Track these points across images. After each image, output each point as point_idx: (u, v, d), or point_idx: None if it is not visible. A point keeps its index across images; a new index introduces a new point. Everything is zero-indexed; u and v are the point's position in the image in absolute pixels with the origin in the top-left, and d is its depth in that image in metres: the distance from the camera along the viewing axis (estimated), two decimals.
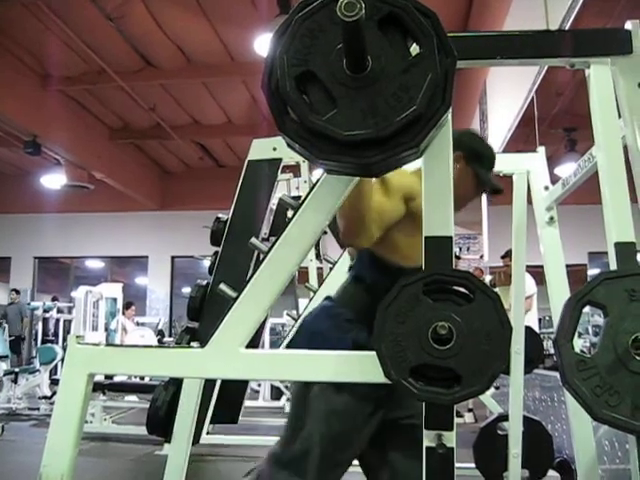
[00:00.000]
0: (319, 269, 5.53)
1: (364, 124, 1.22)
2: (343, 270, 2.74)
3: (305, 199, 1.50)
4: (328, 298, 2.12)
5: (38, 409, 7.94)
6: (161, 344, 10.34)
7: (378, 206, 1.88)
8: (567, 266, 2.64)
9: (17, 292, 12.21)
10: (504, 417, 3.28)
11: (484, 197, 7.89)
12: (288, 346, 2.07)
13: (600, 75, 1.49)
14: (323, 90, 1.24)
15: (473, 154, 2.18)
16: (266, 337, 9.36)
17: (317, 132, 1.23)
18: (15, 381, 8.04)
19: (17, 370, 8.25)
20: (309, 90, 1.25)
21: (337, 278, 2.71)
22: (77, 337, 1.50)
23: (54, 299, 11.60)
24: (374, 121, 1.22)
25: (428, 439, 1.36)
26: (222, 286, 1.47)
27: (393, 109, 1.22)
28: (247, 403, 6.80)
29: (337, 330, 1.98)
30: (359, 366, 1.39)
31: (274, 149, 4.12)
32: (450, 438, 1.36)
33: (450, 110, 1.25)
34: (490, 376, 1.26)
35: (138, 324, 10.59)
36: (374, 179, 1.79)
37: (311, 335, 2.02)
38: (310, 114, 1.23)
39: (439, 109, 1.23)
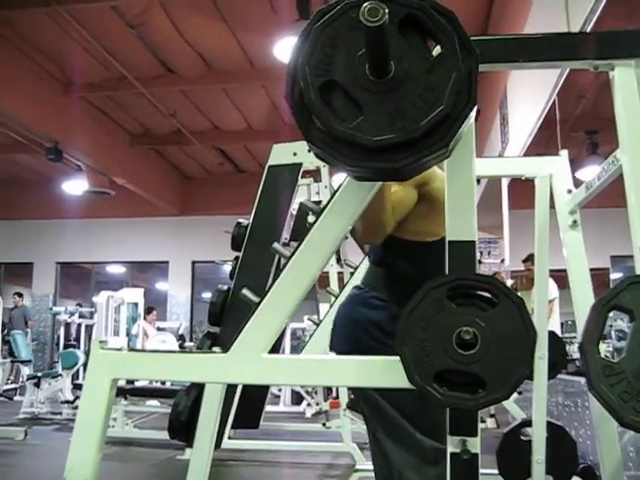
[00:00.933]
0: (340, 274, 5.52)
1: (392, 128, 1.22)
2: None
3: (327, 203, 1.50)
4: (356, 287, 2.18)
5: (60, 413, 8.00)
6: (182, 349, 10.38)
7: (394, 198, 1.92)
8: (589, 270, 2.62)
9: (20, 295, 12.28)
10: (527, 423, 3.25)
11: (505, 200, 7.85)
12: (331, 336, 2.12)
13: (624, 77, 1.47)
14: (348, 97, 1.24)
15: None
16: (287, 342, 9.36)
17: (345, 140, 1.23)
18: (38, 385, 8.10)
19: (40, 375, 8.31)
20: (333, 98, 1.25)
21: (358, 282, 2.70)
22: (100, 342, 1.51)
23: (79, 305, 11.67)
24: (402, 124, 1.21)
25: (452, 445, 1.35)
26: (245, 291, 1.47)
27: (420, 110, 1.22)
28: (268, 408, 6.80)
29: (370, 311, 2.05)
30: (383, 371, 1.38)
31: (294, 154, 4.12)
32: (474, 444, 1.35)
33: (475, 108, 1.25)
34: (515, 381, 1.25)
35: (159, 329, 10.62)
36: None
37: (346, 321, 2.09)
38: (337, 122, 1.23)
39: (465, 107, 1.23)
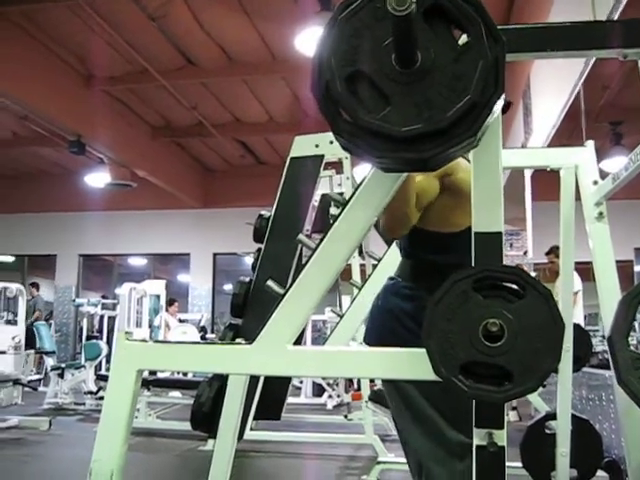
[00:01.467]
0: (362, 265, 5.51)
1: (420, 118, 1.20)
2: (388, 266, 2.73)
3: (353, 195, 1.49)
4: (390, 278, 2.21)
5: (84, 404, 8.08)
6: (204, 340, 10.43)
7: (417, 187, 1.92)
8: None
9: (33, 285, 12.35)
10: (552, 416, 3.23)
11: (528, 192, 7.80)
12: (366, 329, 2.15)
13: None
14: (374, 88, 1.23)
15: None
16: (308, 334, 9.37)
17: (373, 131, 1.22)
18: (61, 376, 8.18)
19: (63, 366, 8.39)
20: (360, 89, 1.24)
21: (382, 274, 2.69)
22: (126, 333, 1.51)
23: (104, 297, 11.74)
24: (429, 114, 1.20)
25: (479, 437, 1.34)
26: (270, 282, 1.47)
27: (448, 100, 1.21)
28: (289, 400, 6.82)
29: (402, 301, 2.07)
30: (408, 363, 1.37)
31: (316, 146, 4.11)
32: (501, 437, 1.34)
33: (503, 97, 1.23)
34: (542, 374, 1.24)
35: (181, 321, 10.68)
36: None
37: (379, 312, 2.13)
38: (364, 113, 1.22)
39: (493, 96, 1.21)
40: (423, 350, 1.26)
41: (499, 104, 1.24)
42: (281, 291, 1.46)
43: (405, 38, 1.18)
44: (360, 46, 1.23)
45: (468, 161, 1.96)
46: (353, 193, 1.49)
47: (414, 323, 1.99)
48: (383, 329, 2.08)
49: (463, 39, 1.23)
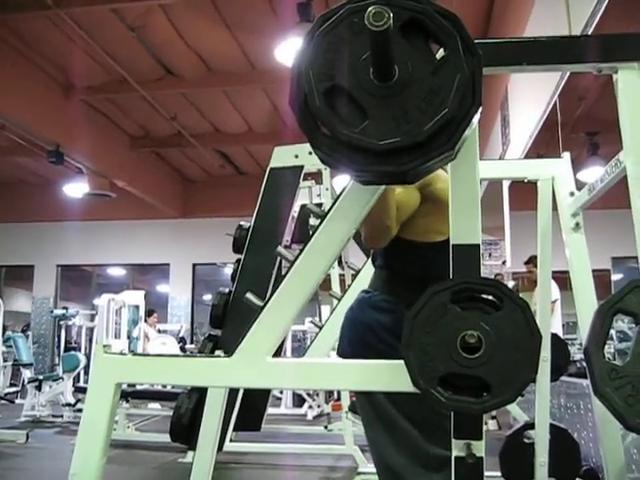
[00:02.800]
0: (341, 276, 5.52)
1: (398, 131, 1.22)
2: (367, 277, 2.73)
3: (332, 207, 1.50)
4: (364, 291, 2.19)
5: (62, 416, 7.99)
6: (183, 351, 10.37)
7: (397, 199, 1.93)
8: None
9: None
10: (530, 425, 3.25)
11: (506, 202, 7.85)
12: (339, 342, 2.12)
13: (628, 80, 1.47)
14: (353, 102, 1.25)
15: None
16: (288, 344, 9.36)
17: (351, 145, 1.23)
18: (39, 388, 8.09)
19: (41, 378, 8.31)
20: (338, 103, 1.25)
21: (361, 285, 2.70)
22: (104, 347, 1.51)
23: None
24: (407, 127, 1.22)
25: (457, 449, 1.35)
26: (249, 295, 1.47)
27: (425, 113, 1.22)
28: (269, 410, 6.80)
29: (379, 314, 2.05)
30: (387, 375, 1.38)
31: (296, 156, 4.14)
32: (479, 447, 1.35)
33: (480, 110, 1.25)
34: (520, 385, 1.25)
35: (160, 331, 10.63)
36: None
37: (355, 325, 2.10)
38: (342, 127, 1.23)
39: (470, 109, 1.23)
40: (402, 362, 1.27)
41: (477, 117, 1.26)
42: (260, 303, 1.46)
43: (382, 52, 1.20)
44: (338, 60, 1.24)
45: (446, 172, 1.98)
46: (332, 205, 1.50)
47: (393, 337, 1.96)
48: (359, 342, 2.05)
49: (440, 53, 1.25)
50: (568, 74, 4.46)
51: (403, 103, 1.23)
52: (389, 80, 1.23)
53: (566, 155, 2.73)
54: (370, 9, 1.13)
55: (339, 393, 6.06)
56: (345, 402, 5.23)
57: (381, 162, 1.24)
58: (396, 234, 2.03)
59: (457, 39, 1.24)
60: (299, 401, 9.12)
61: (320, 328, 2.58)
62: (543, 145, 6.37)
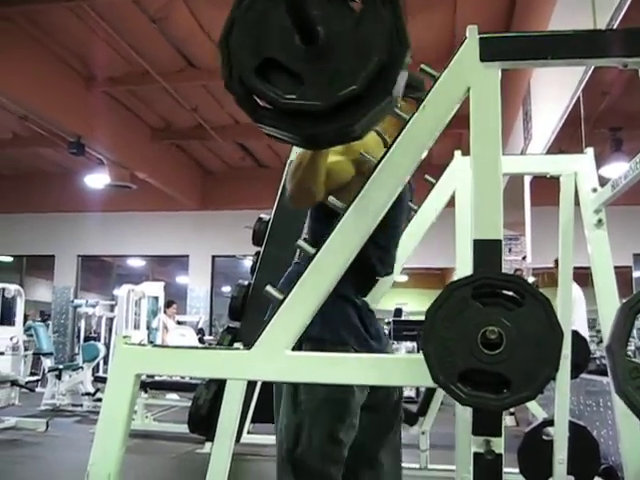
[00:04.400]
0: None
1: (335, 89, 1.25)
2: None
3: (351, 203, 1.49)
4: (295, 262, 2.26)
5: (81, 405, 8.07)
6: (202, 343, 10.41)
7: (330, 167, 1.94)
8: None
9: None
10: (549, 422, 3.23)
11: (527, 197, 7.80)
12: None
13: None
14: (286, 71, 1.28)
15: (406, 86, 2.26)
16: None
17: (293, 111, 1.27)
18: (59, 378, 8.17)
19: (61, 367, 8.38)
20: (272, 76, 1.28)
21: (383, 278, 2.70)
22: (124, 337, 1.51)
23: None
24: (343, 83, 1.25)
25: (476, 445, 1.34)
26: (268, 288, 1.47)
27: (357, 66, 1.26)
28: None
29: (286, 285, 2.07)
30: (407, 370, 1.37)
31: None
32: (498, 444, 1.34)
33: (410, 50, 1.30)
34: (541, 382, 1.24)
35: (179, 323, 10.68)
36: None
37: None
38: (281, 97, 1.26)
39: (399, 53, 1.27)
40: (421, 357, 1.27)
41: (407, 59, 1.31)
42: (280, 296, 1.46)
43: (301, 16, 1.23)
44: (263, 35, 1.28)
45: (386, 144, 2.02)
46: (353, 199, 1.49)
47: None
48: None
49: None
50: (592, 68, 4.42)
51: (334, 61, 1.27)
52: (315, 42, 1.27)
53: (589, 150, 2.70)
54: None
55: None
56: None
57: (325, 122, 1.27)
58: (323, 200, 2.02)
59: None
60: None
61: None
62: (565, 141, 6.32)
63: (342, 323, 2.00)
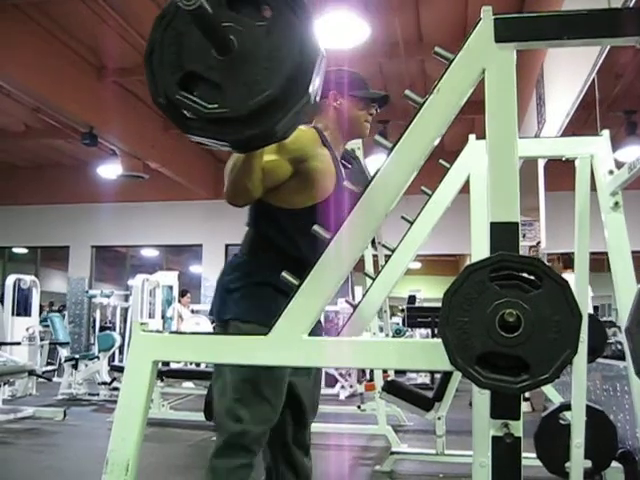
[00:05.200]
0: (374, 256, 5.50)
1: (253, 95, 1.32)
2: (403, 256, 2.72)
3: (366, 187, 1.48)
4: (235, 254, 2.36)
5: (98, 394, 8.14)
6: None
7: (267, 166, 2.02)
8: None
9: None
10: (566, 406, 3.22)
11: (541, 182, 7.75)
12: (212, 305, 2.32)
13: None
14: (206, 82, 1.35)
15: (342, 83, 2.32)
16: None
17: (216, 119, 1.34)
18: (75, 367, 8.23)
19: (77, 357, 8.44)
20: (195, 87, 1.36)
21: (396, 265, 2.69)
22: (141, 324, 1.51)
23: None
24: (259, 88, 1.32)
25: (495, 428, 1.34)
26: (284, 274, 1.47)
27: (272, 71, 1.33)
28: None
29: (241, 280, 2.19)
30: (424, 353, 1.37)
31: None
32: (517, 427, 1.34)
33: (322, 53, 1.37)
34: (560, 364, 1.23)
35: (193, 312, 10.71)
36: None
37: (223, 291, 2.23)
38: (205, 107, 1.33)
39: (312, 55, 1.34)
40: (439, 341, 1.26)
41: (321, 59, 1.37)
42: (296, 282, 1.45)
43: (210, 29, 1.30)
44: (182, 50, 1.35)
45: (332, 153, 2.07)
46: (367, 184, 1.48)
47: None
48: (214, 301, 2.27)
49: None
50: (607, 50, 4.37)
51: (249, 69, 1.33)
52: (230, 52, 1.33)
53: (605, 133, 2.68)
54: None
55: (371, 373, 6.06)
56: (378, 382, 5.24)
57: (248, 126, 1.34)
58: (262, 199, 2.14)
59: None
60: (331, 381, 9.15)
61: (354, 307, 2.58)
62: (579, 124, 6.28)
63: (271, 308, 2.05)
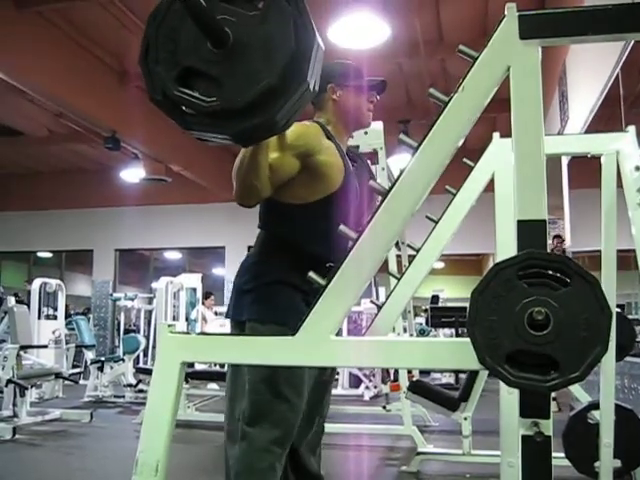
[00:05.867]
0: (398, 257, 5.49)
1: (252, 85, 1.31)
2: (427, 255, 2.71)
3: (393, 186, 1.48)
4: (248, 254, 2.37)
5: (124, 396, 8.20)
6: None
7: (273, 163, 2.01)
8: None
9: None
10: (594, 405, 3.19)
11: (565, 180, 7.69)
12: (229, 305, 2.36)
13: None
14: (203, 76, 1.34)
15: (339, 75, 2.32)
16: (344, 326, 9.37)
17: (217, 113, 1.33)
18: (101, 369, 8.30)
19: (103, 359, 8.51)
20: (193, 83, 1.35)
21: (421, 264, 2.68)
22: (169, 326, 1.52)
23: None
24: (258, 78, 1.32)
25: (524, 427, 1.33)
26: (311, 274, 1.47)
27: (269, 60, 1.32)
28: None
29: (253, 281, 2.20)
30: (453, 353, 1.36)
31: (351, 137, 4.10)
32: (547, 426, 1.33)
33: (318, 40, 1.37)
34: (590, 362, 1.22)
35: (217, 314, 10.76)
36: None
37: (238, 293, 2.26)
38: (204, 102, 1.33)
39: (308, 42, 1.34)
40: (467, 340, 1.25)
41: (317, 47, 1.37)
42: (323, 282, 1.45)
43: (205, 20, 1.29)
44: (177, 46, 1.35)
45: (337, 145, 2.05)
46: (393, 184, 1.48)
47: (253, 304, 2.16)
48: (231, 305, 2.29)
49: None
50: (630, 46, 4.33)
51: (246, 60, 1.33)
52: (226, 44, 1.32)
53: (631, 129, 2.66)
54: None
55: (395, 374, 6.05)
56: (403, 383, 5.23)
57: (249, 117, 1.33)
58: (272, 197, 2.12)
59: None
60: (356, 382, 9.14)
61: (379, 308, 2.57)
62: (603, 121, 6.23)
63: (286, 307, 2.10)
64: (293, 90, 1.34)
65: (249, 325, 2.13)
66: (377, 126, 4.88)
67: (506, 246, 2.61)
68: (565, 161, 7.29)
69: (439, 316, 10.63)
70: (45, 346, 7.73)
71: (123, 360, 8.52)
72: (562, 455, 3.24)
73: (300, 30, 1.33)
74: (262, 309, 2.13)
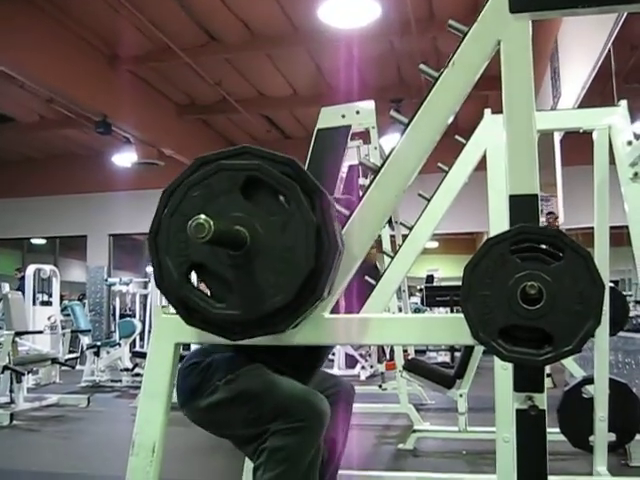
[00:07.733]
0: (392, 236, 5.49)
1: (264, 299, 1.25)
2: (420, 234, 2.71)
3: (383, 164, 1.47)
4: None
5: (120, 381, 8.22)
6: None
7: None
8: None
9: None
10: (589, 380, 3.21)
11: (558, 157, 7.68)
12: None
13: None
14: (215, 276, 1.27)
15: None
16: (341, 303, 9.37)
17: (225, 320, 1.28)
18: (97, 354, 8.31)
19: (99, 344, 8.52)
20: (205, 277, 1.29)
21: (414, 243, 2.69)
22: (163, 307, 1.52)
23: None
24: (272, 292, 1.25)
25: (518, 401, 1.34)
26: None
27: (285, 274, 1.25)
28: None
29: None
30: (447, 328, 1.37)
31: (343, 116, 4.07)
32: (541, 400, 1.34)
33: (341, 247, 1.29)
34: (583, 336, 1.23)
35: None
36: None
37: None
38: (211, 307, 1.27)
39: (330, 251, 1.25)
40: (461, 315, 1.26)
41: (338, 255, 1.29)
42: None
43: (221, 241, 1.21)
44: (189, 239, 1.23)
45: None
46: (385, 160, 1.48)
47: None
48: None
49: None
50: (622, 20, 4.31)
51: (261, 267, 1.25)
52: (242, 248, 1.24)
53: (623, 103, 2.65)
54: (190, 222, 1.14)
55: (391, 353, 6.06)
56: (399, 361, 5.25)
57: (256, 328, 1.28)
58: None
59: (296, 188, 1.25)
60: (352, 362, 9.17)
61: (373, 286, 2.58)
62: (595, 97, 6.21)
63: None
64: (306, 306, 1.27)
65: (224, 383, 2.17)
66: (369, 105, 4.85)
67: (499, 223, 2.61)
68: (558, 138, 7.28)
69: (434, 295, 10.66)
70: (40, 332, 7.73)
71: (119, 344, 8.52)
72: (557, 430, 3.26)
73: (324, 243, 1.24)
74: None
